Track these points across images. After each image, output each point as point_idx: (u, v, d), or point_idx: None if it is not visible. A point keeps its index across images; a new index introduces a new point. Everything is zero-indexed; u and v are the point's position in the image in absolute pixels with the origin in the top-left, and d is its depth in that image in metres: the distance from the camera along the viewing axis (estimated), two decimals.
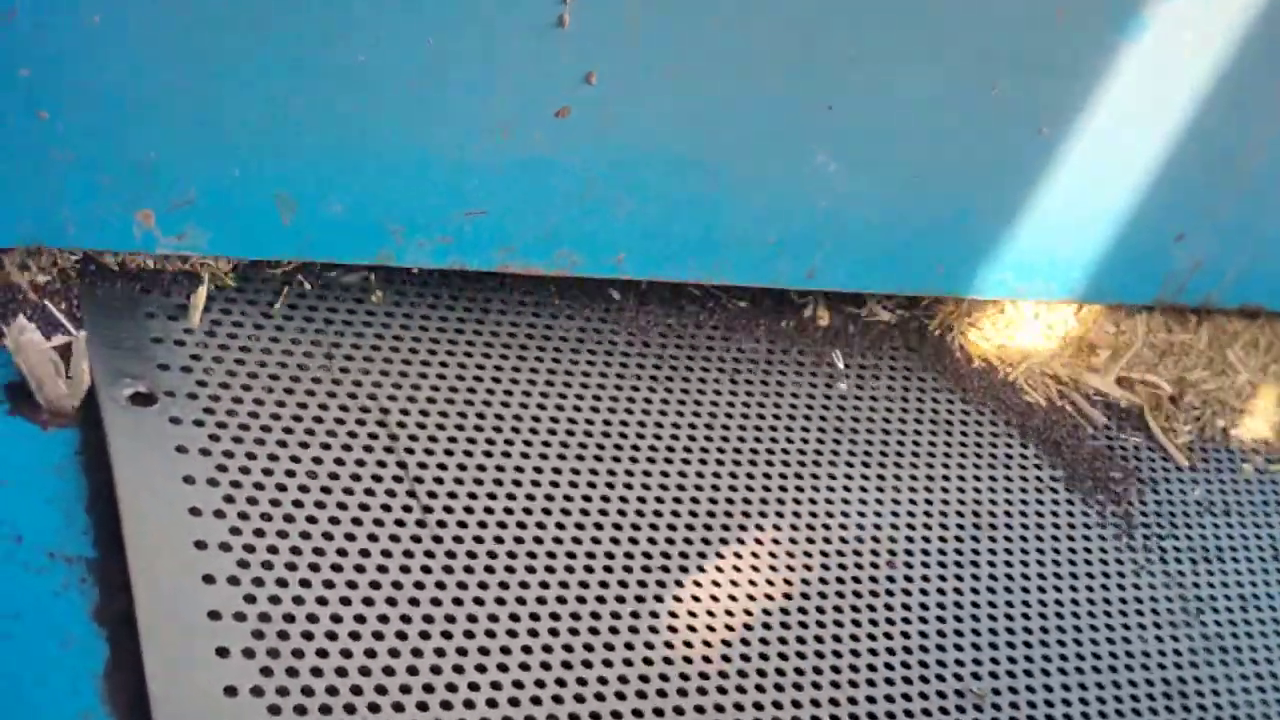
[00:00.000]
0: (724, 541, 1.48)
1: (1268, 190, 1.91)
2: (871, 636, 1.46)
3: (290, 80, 1.33)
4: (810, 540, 1.53)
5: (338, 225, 1.45)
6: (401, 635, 1.24)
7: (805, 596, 1.47)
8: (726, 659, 1.37)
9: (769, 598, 1.45)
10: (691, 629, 1.38)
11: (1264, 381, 2.06)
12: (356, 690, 1.18)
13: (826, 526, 1.56)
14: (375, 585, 1.27)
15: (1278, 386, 2.06)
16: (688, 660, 1.35)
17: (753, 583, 1.46)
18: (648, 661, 1.33)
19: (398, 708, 1.18)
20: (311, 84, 1.34)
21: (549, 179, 1.51)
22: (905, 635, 1.48)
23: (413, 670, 1.22)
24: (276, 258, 1.48)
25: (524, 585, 1.34)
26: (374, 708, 1.17)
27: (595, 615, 1.35)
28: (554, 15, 1.40)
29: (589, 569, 1.39)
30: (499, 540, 1.37)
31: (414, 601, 1.27)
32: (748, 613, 1.42)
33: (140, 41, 1.26)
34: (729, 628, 1.40)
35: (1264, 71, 1.78)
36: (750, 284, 1.72)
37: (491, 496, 1.41)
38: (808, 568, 1.50)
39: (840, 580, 1.50)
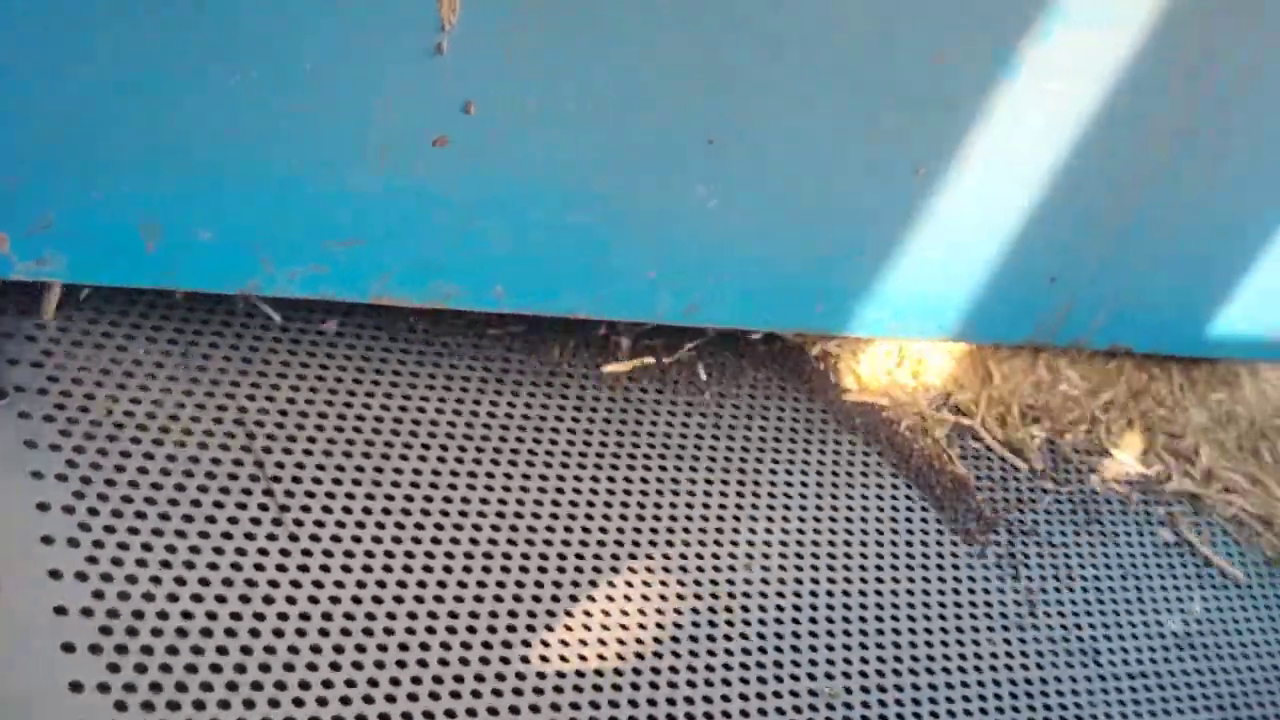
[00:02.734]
0: (598, 571, 1.46)
1: (1137, 235, 1.94)
2: (744, 665, 1.45)
3: (158, 101, 1.30)
4: (684, 569, 1.52)
5: (205, 253, 1.41)
6: (254, 633, 1.22)
7: (678, 626, 1.45)
8: (612, 686, 1.35)
9: (642, 627, 1.43)
10: (564, 658, 1.36)
11: (1125, 422, 2.10)
12: (206, 687, 1.16)
13: (700, 556, 1.54)
14: (228, 582, 1.25)
15: (1139, 427, 2.10)
16: (558, 689, 1.33)
17: (625, 613, 1.44)
18: (537, 690, 1.31)
19: (248, 705, 1.16)
20: (180, 105, 1.31)
21: (426, 209, 1.49)
22: (761, 637, 1.48)
23: (265, 667, 1.20)
24: (139, 284, 1.43)
25: (380, 585, 1.32)
26: (224, 704, 1.15)
27: (471, 630, 1.33)
28: (432, 42, 1.38)
29: (454, 573, 1.37)
30: (356, 540, 1.35)
31: (269, 600, 1.25)
32: (621, 641, 1.40)
33: None
34: (601, 657, 1.38)
35: (1134, 120, 1.81)
36: (630, 319, 1.71)
37: (350, 496, 1.39)
38: (680, 596, 1.48)
39: (713, 610, 1.49)
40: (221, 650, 1.19)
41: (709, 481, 1.64)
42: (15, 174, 1.29)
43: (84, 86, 1.26)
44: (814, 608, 1.55)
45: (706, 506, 1.61)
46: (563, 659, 1.34)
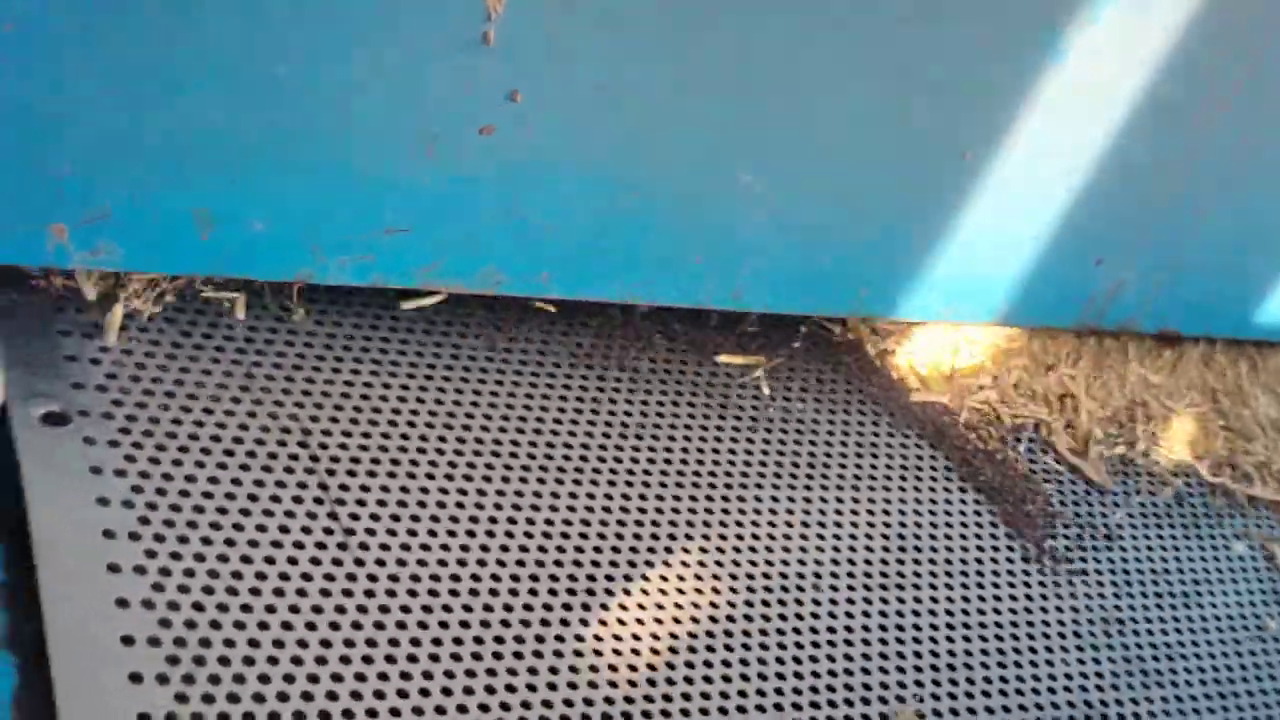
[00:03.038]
0: (650, 565, 1.47)
1: (1185, 216, 1.94)
2: (797, 660, 1.46)
3: (209, 93, 1.31)
4: (736, 563, 1.52)
5: (257, 242, 1.42)
6: (321, 660, 1.22)
7: (731, 619, 1.46)
8: (652, 683, 1.36)
9: (695, 620, 1.44)
10: (616, 652, 1.37)
11: (1182, 407, 2.08)
12: (274, 717, 1.15)
13: (753, 549, 1.55)
14: (294, 609, 1.24)
15: (1194, 411, 2.09)
16: (613, 684, 1.34)
17: (679, 605, 1.45)
18: (572, 685, 1.32)
19: None
20: (231, 97, 1.32)
21: (473, 197, 1.50)
22: (830, 659, 1.48)
23: (332, 695, 1.20)
24: (194, 274, 1.45)
25: (447, 609, 1.32)
26: (299, 715, 1.16)
27: (519, 639, 1.33)
28: (478, 32, 1.38)
29: (513, 592, 1.37)
30: (422, 563, 1.35)
31: (334, 625, 1.25)
32: (674, 636, 1.41)
33: (54, 52, 1.23)
34: (654, 651, 1.39)
35: (1181, 100, 1.80)
36: (676, 304, 1.72)
37: (415, 519, 1.39)
38: (734, 590, 1.49)
39: (765, 604, 1.50)
40: (288, 678, 1.19)
41: (761, 477, 1.65)
42: (72, 165, 1.30)
43: (135, 80, 1.27)
44: (884, 628, 1.55)
45: (759, 503, 1.61)
46: (631, 683, 1.35)
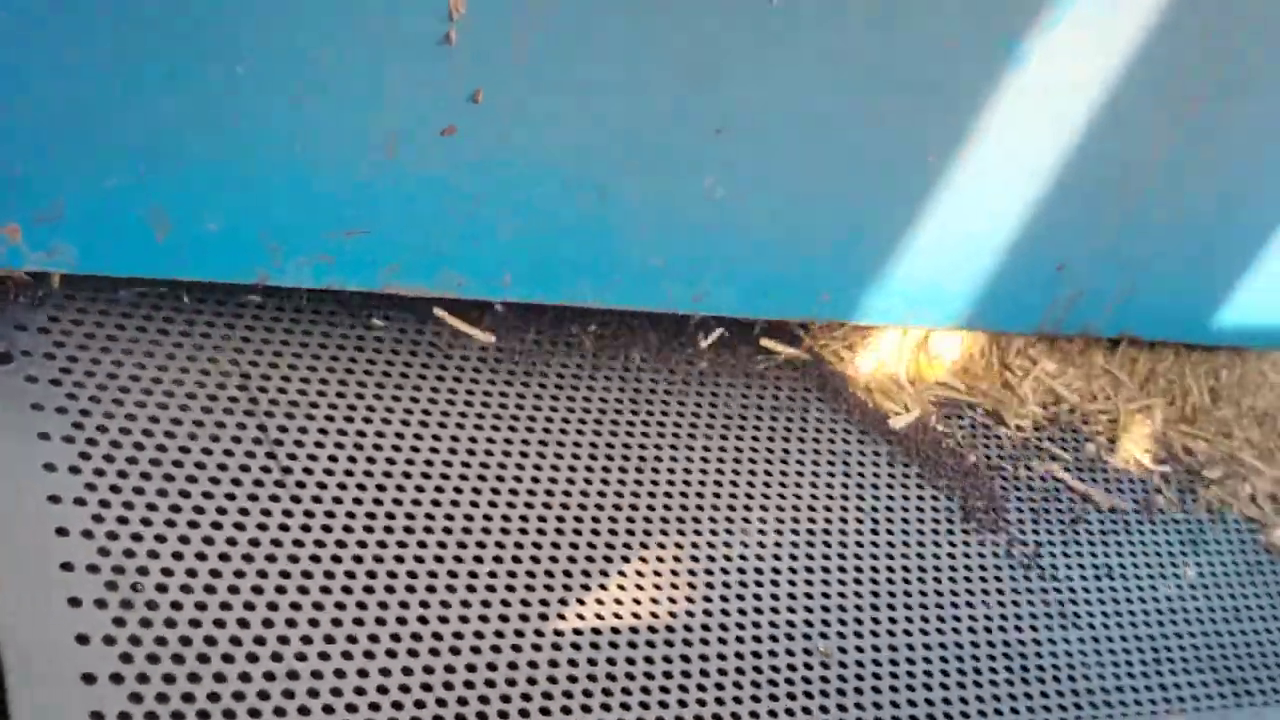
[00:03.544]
0: (609, 561, 1.47)
1: (1144, 222, 1.94)
2: (756, 655, 1.45)
3: (166, 92, 1.30)
4: (695, 558, 1.52)
5: (214, 243, 1.41)
6: (257, 589, 1.24)
7: (690, 614, 1.46)
8: (611, 677, 1.36)
9: (654, 615, 1.43)
10: (592, 644, 1.37)
11: (1135, 406, 2.10)
12: (210, 641, 1.18)
13: (711, 545, 1.55)
14: (232, 542, 1.27)
15: (1147, 413, 2.11)
16: (574, 667, 1.34)
17: (637, 601, 1.44)
18: (531, 681, 1.31)
19: (251, 658, 1.19)
20: (188, 96, 1.31)
21: (434, 198, 1.49)
22: (790, 653, 1.48)
23: (267, 623, 1.22)
24: (149, 276, 1.43)
25: (382, 545, 1.34)
26: (228, 658, 1.18)
27: (478, 635, 1.33)
28: (440, 32, 1.38)
29: (470, 589, 1.37)
30: (357, 502, 1.37)
31: (271, 558, 1.27)
32: (633, 630, 1.41)
33: (6, 50, 1.21)
34: (613, 645, 1.39)
35: (1143, 106, 1.81)
36: (637, 307, 1.71)
37: (352, 460, 1.41)
38: (692, 585, 1.49)
39: (724, 599, 1.49)
40: (225, 606, 1.21)
41: (720, 473, 1.65)
42: (26, 164, 1.29)
43: (92, 77, 1.26)
44: (825, 597, 1.56)
45: (717, 497, 1.61)
46: (590, 677, 1.36)
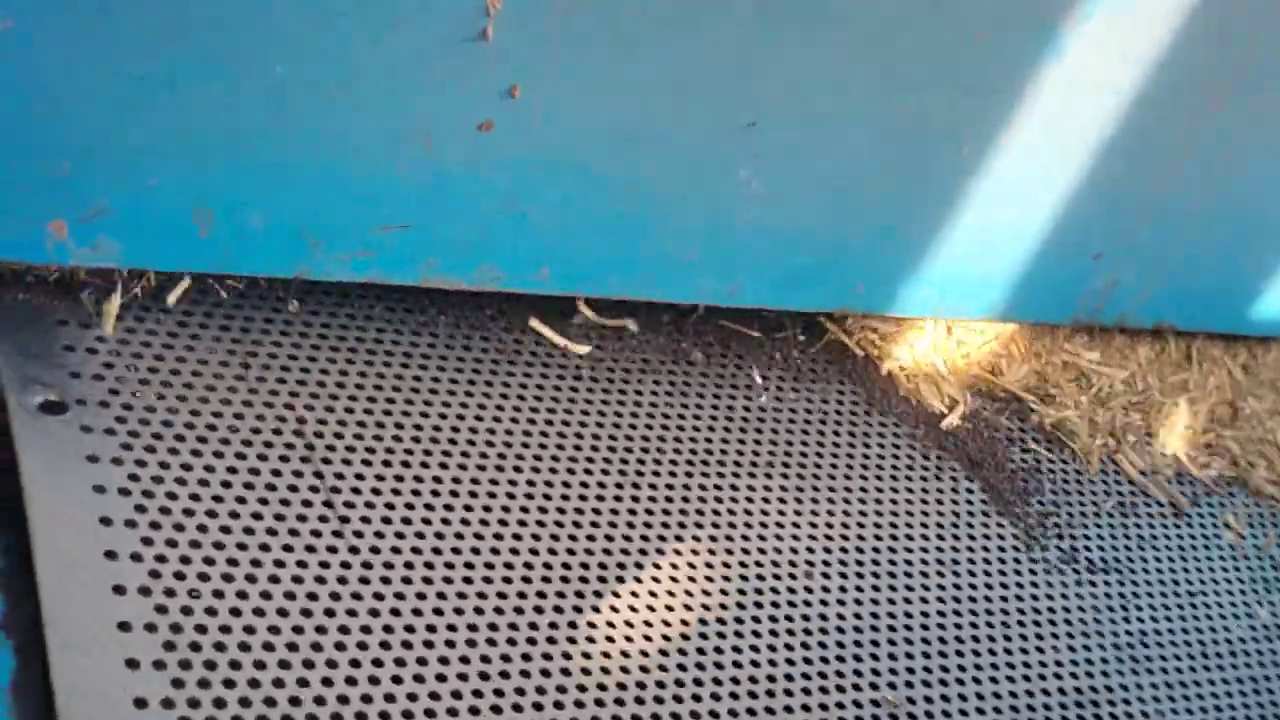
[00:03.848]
0: (644, 553, 1.48)
1: (1182, 210, 1.94)
2: (789, 647, 1.46)
3: (208, 90, 1.32)
4: (729, 552, 1.53)
5: (256, 238, 1.43)
6: (317, 646, 1.23)
7: (724, 607, 1.47)
8: (645, 669, 1.37)
9: (687, 608, 1.45)
10: (609, 639, 1.38)
11: (1174, 400, 2.09)
12: (270, 702, 1.16)
13: (745, 538, 1.56)
14: (290, 596, 1.25)
15: (1187, 405, 2.09)
16: (605, 670, 1.35)
17: (671, 593, 1.45)
18: (565, 673, 1.33)
19: (311, 719, 1.17)
20: (230, 94, 1.33)
21: (472, 193, 1.51)
22: (823, 645, 1.48)
23: (327, 681, 1.21)
24: (193, 270, 1.46)
25: (441, 596, 1.33)
26: (288, 719, 1.16)
27: (513, 626, 1.34)
28: (477, 28, 1.39)
29: (507, 579, 1.38)
30: (416, 551, 1.36)
31: (330, 613, 1.26)
32: (666, 624, 1.42)
33: (53, 49, 1.24)
34: (647, 638, 1.40)
35: (1178, 94, 1.81)
36: (673, 300, 1.72)
37: (410, 507, 1.40)
38: (726, 578, 1.50)
39: (759, 591, 1.50)
40: (284, 665, 1.20)
41: (754, 469, 1.66)
42: (71, 160, 1.30)
43: (134, 77, 1.28)
44: (875, 615, 1.56)
45: (750, 497, 1.62)
46: (624, 669, 1.37)
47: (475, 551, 1.39)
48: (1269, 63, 1.84)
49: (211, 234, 1.41)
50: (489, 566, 1.38)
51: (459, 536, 1.40)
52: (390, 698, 1.22)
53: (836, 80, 1.61)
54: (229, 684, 1.16)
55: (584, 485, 1.52)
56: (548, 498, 1.49)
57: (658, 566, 1.47)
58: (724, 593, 1.49)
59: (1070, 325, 2.03)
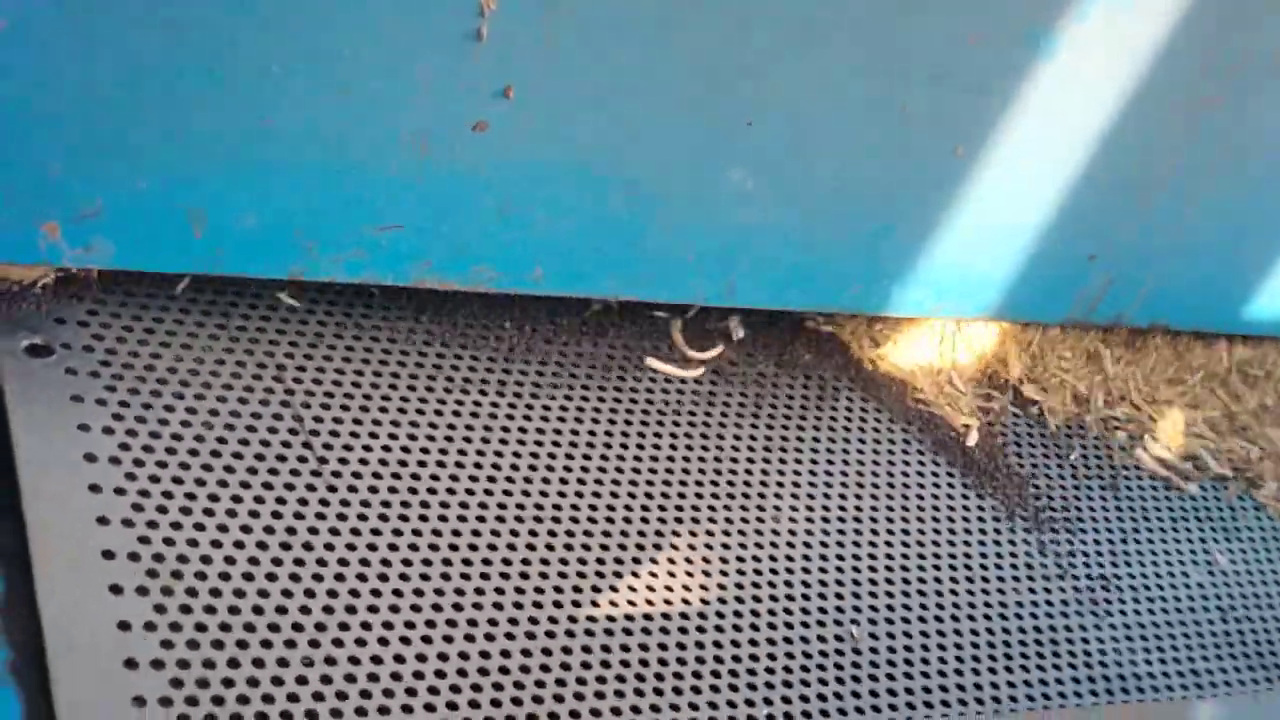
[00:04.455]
0: (641, 552, 1.47)
1: (1177, 210, 1.94)
2: (788, 639, 1.46)
3: (202, 90, 1.32)
4: (726, 547, 1.53)
5: (250, 239, 1.43)
6: (295, 577, 1.26)
7: (723, 602, 1.46)
8: (644, 662, 1.36)
9: (684, 616, 1.44)
10: (609, 631, 1.38)
11: (1169, 399, 2.09)
12: (249, 628, 1.19)
13: (742, 534, 1.55)
14: (269, 530, 1.28)
15: (1181, 404, 2.10)
16: (604, 673, 1.34)
17: (669, 587, 1.45)
18: (565, 667, 1.32)
19: (289, 644, 1.20)
20: (222, 94, 1.33)
21: (465, 194, 1.50)
22: (821, 640, 1.48)
23: (304, 610, 1.23)
24: (186, 271, 1.45)
25: (444, 578, 1.34)
26: (266, 644, 1.19)
27: (513, 621, 1.34)
28: (471, 28, 1.39)
29: (504, 575, 1.38)
30: (393, 490, 1.39)
31: (308, 546, 1.29)
32: (666, 616, 1.42)
33: (46, 49, 1.24)
34: (646, 630, 1.39)
35: (1172, 95, 1.81)
36: (668, 301, 1.72)
37: (386, 449, 1.43)
38: (724, 574, 1.50)
39: (756, 585, 1.50)
40: (263, 594, 1.23)
41: (750, 465, 1.65)
42: (63, 161, 1.30)
43: (128, 78, 1.28)
44: (874, 609, 1.56)
45: (747, 493, 1.62)
46: (624, 662, 1.37)
47: (472, 547, 1.40)
48: (1263, 62, 1.84)
49: (205, 234, 1.40)
50: (485, 563, 1.39)
51: (434, 477, 1.43)
52: (366, 625, 1.25)
53: (831, 81, 1.61)
54: (210, 610, 1.19)
55: (580, 483, 1.52)
56: (544, 495, 1.49)
57: (653, 571, 1.47)
58: (721, 586, 1.48)
59: (1066, 324, 2.03)
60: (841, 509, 1.65)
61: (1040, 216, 1.85)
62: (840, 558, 1.59)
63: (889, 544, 1.64)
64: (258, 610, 1.21)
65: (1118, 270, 1.97)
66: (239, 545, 1.25)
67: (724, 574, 1.50)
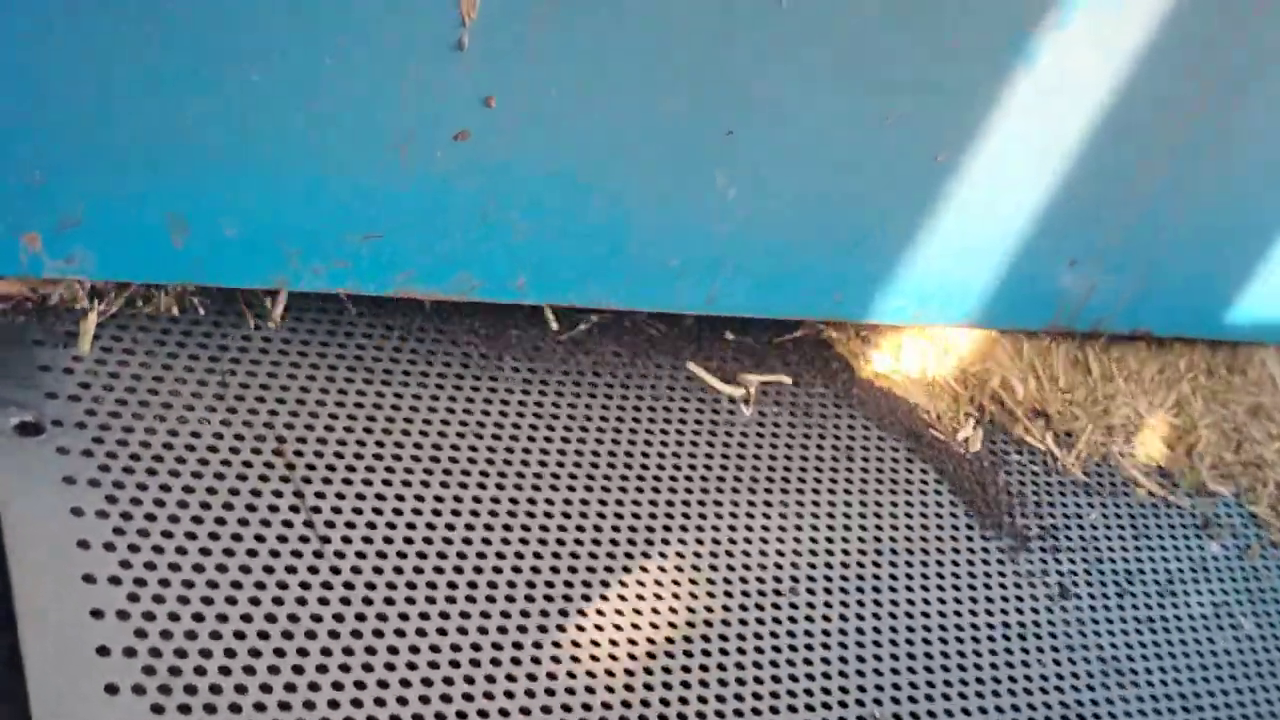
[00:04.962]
0: (626, 570, 1.47)
1: (1158, 216, 1.95)
2: (774, 664, 1.46)
3: (182, 98, 1.31)
4: (713, 566, 1.53)
5: (231, 248, 1.42)
6: (298, 670, 1.22)
7: (708, 624, 1.46)
8: (629, 688, 1.36)
9: (672, 625, 1.44)
10: (594, 658, 1.37)
11: (1152, 407, 2.10)
12: (234, 709, 1.16)
13: (729, 553, 1.55)
14: (271, 619, 1.24)
15: (1165, 412, 2.10)
16: (590, 690, 1.34)
17: (655, 610, 1.45)
18: (549, 693, 1.32)
19: (284, 706, 1.18)
20: (204, 102, 1.32)
21: (448, 202, 1.50)
22: (807, 662, 1.48)
23: (309, 705, 1.19)
24: (168, 281, 1.44)
25: (424, 616, 1.32)
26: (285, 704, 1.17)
27: (496, 646, 1.33)
28: (453, 38, 1.38)
29: (490, 599, 1.37)
30: (398, 571, 1.35)
31: (310, 634, 1.25)
32: (651, 640, 1.42)
33: (23, 56, 1.22)
34: (631, 656, 1.39)
35: (1153, 102, 1.81)
36: (651, 309, 1.72)
37: (391, 526, 1.39)
38: (710, 594, 1.50)
39: (743, 607, 1.50)
40: (265, 689, 1.19)
41: (738, 480, 1.65)
42: (43, 171, 1.29)
43: (108, 85, 1.27)
44: (860, 630, 1.56)
45: (735, 505, 1.62)
46: (608, 688, 1.36)
47: (458, 570, 1.38)
48: (1249, 68, 1.85)
49: (186, 244, 1.40)
50: (471, 586, 1.38)
51: (440, 556, 1.39)
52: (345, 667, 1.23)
53: (812, 89, 1.61)
54: (210, 709, 1.15)
55: (566, 501, 1.52)
56: (530, 515, 1.48)
57: (640, 584, 1.47)
58: (709, 608, 1.48)
59: (1048, 331, 2.04)
60: (830, 521, 1.66)
61: (1021, 223, 1.85)
62: (829, 573, 1.60)
63: (878, 561, 1.65)
64: (259, 707, 1.17)
65: (1100, 276, 1.97)
66: (239, 636, 1.22)
67: (710, 598, 1.50)
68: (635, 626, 1.42)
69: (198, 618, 1.21)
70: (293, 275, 1.47)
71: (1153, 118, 1.83)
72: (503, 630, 1.35)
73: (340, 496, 1.39)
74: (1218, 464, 2.07)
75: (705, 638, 1.45)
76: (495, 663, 1.31)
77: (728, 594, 1.51)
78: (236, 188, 1.39)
